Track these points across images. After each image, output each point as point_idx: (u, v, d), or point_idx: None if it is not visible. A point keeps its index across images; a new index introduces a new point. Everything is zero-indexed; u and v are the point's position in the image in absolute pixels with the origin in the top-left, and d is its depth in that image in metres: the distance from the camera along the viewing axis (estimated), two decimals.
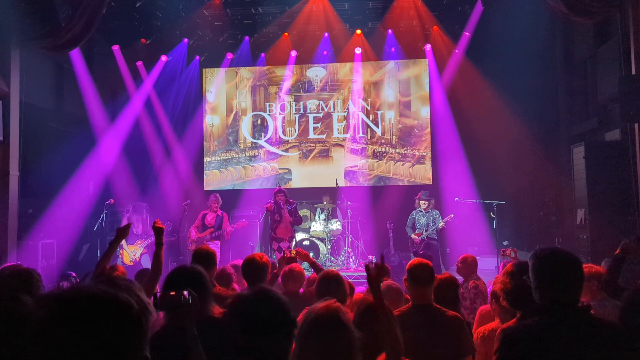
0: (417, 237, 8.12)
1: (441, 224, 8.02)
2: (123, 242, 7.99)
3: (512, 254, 4.61)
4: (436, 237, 8.17)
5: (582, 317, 1.92)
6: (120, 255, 8.07)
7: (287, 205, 8.00)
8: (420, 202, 8.25)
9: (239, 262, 4.11)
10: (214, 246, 7.89)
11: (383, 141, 10.80)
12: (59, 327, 0.97)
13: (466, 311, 4.24)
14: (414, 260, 3.06)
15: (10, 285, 2.47)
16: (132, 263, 7.97)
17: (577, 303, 1.96)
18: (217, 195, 8.27)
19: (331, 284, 3.01)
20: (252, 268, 3.42)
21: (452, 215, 8.07)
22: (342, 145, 10.89)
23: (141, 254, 8.12)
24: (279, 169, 10.98)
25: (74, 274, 5.25)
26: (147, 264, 8.01)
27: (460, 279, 4.61)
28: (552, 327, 1.88)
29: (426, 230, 8.12)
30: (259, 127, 11.07)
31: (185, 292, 2.77)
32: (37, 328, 0.98)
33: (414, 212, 8.34)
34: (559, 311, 1.91)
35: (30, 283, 2.51)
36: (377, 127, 10.82)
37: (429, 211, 8.22)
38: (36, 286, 2.53)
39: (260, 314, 1.74)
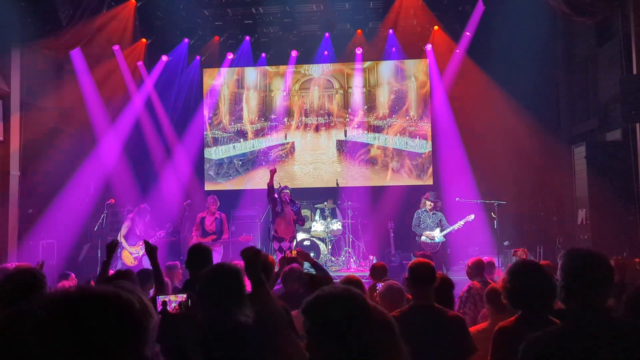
0: (432, 236, 7.94)
1: (461, 224, 7.84)
2: (124, 242, 7.99)
3: (523, 255, 4.60)
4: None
5: (607, 323, 1.84)
6: (121, 257, 8.06)
7: (291, 204, 7.96)
8: (428, 202, 8.16)
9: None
10: (218, 248, 7.93)
11: (384, 141, 10.78)
12: (63, 327, 0.97)
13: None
14: (415, 259, 3.05)
15: (16, 284, 2.47)
16: (134, 263, 7.96)
17: (604, 308, 1.88)
18: (215, 197, 8.23)
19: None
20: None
21: (473, 215, 7.85)
22: (343, 146, 10.88)
23: (143, 255, 8.10)
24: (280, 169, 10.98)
25: (72, 275, 5.25)
26: (148, 264, 7.97)
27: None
28: (578, 334, 1.80)
29: (441, 230, 8.01)
30: (260, 128, 11.07)
31: (185, 296, 2.76)
32: (41, 327, 0.99)
33: (418, 211, 8.23)
34: (587, 317, 1.83)
35: (35, 282, 2.50)
36: (379, 127, 10.81)
37: (435, 212, 8.16)
38: (41, 286, 2.53)
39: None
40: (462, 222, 7.88)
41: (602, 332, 1.79)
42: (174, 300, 2.75)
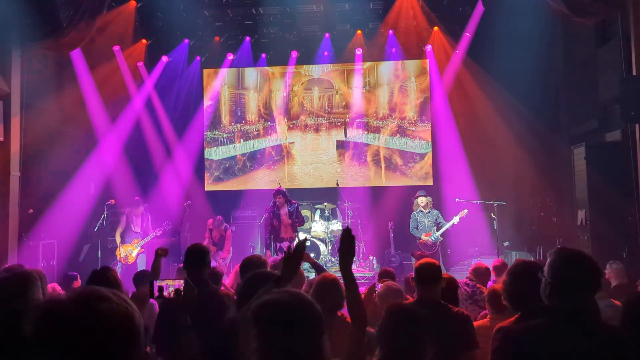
0: (428, 239, 8.00)
1: (456, 220, 7.92)
2: (119, 240, 8.04)
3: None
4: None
5: (589, 324, 1.85)
6: (117, 256, 8.05)
7: (287, 205, 7.96)
8: (419, 199, 8.17)
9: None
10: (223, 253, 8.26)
11: (384, 141, 10.79)
12: (62, 332, 0.98)
13: None
14: (421, 260, 3.08)
15: (13, 288, 2.45)
16: (130, 262, 7.94)
17: (587, 309, 1.88)
18: (220, 219, 8.40)
19: (328, 288, 2.99)
20: (251, 268, 3.41)
21: (466, 210, 7.93)
22: (343, 146, 10.89)
23: (138, 253, 8.10)
24: (280, 169, 10.98)
25: (74, 273, 5.26)
26: (142, 264, 7.99)
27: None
28: (557, 330, 1.81)
29: (437, 230, 8.03)
30: (260, 128, 11.07)
31: (182, 282, 2.79)
32: (38, 333, 0.99)
33: (414, 212, 8.27)
34: (567, 315, 1.84)
35: (34, 285, 2.49)
36: (378, 127, 10.82)
37: (429, 211, 8.17)
38: (40, 288, 2.52)
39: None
40: (457, 218, 7.90)
41: (577, 334, 1.80)
42: (171, 285, 2.77)
